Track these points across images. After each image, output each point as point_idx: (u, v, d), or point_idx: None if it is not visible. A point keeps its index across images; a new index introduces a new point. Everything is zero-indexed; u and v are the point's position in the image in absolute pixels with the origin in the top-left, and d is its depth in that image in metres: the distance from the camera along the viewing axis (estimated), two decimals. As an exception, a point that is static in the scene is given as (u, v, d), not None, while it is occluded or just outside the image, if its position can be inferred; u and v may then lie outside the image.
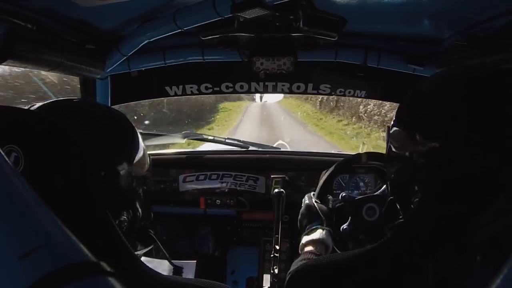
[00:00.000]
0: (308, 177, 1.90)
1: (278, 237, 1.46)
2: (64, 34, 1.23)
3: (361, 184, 1.88)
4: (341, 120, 15.68)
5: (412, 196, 0.67)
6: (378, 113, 12.46)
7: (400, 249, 0.59)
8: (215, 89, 1.82)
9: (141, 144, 0.79)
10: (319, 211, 1.16)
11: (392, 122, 0.72)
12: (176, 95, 1.85)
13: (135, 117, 5.81)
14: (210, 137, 2.25)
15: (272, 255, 1.39)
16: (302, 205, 1.24)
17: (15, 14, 0.99)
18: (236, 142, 2.17)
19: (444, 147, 0.56)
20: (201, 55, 1.61)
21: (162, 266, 1.30)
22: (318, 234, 1.07)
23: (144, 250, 0.86)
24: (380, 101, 7.61)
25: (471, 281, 0.49)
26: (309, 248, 1.03)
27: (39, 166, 0.53)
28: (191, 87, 1.81)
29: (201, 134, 2.37)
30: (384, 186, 1.21)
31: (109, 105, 1.71)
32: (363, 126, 13.36)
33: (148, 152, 0.83)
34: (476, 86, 0.57)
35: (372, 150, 1.46)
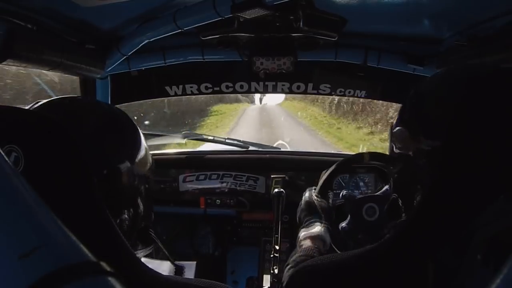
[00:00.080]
0: (308, 177, 1.90)
1: (278, 237, 1.46)
2: (64, 34, 1.23)
3: (361, 184, 1.88)
4: (360, 127, 12.33)
5: (414, 195, 0.67)
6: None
7: (400, 249, 0.59)
8: (215, 89, 1.82)
9: (143, 142, 0.78)
10: (318, 206, 1.16)
11: (394, 122, 0.73)
12: (176, 95, 1.85)
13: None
14: (210, 137, 2.25)
15: (272, 255, 1.39)
16: (302, 199, 1.24)
17: (15, 14, 0.99)
18: (236, 142, 2.17)
19: (444, 147, 0.56)
20: (201, 55, 1.61)
21: (162, 267, 1.30)
22: (316, 228, 1.07)
23: (145, 252, 0.85)
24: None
25: (471, 281, 0.49)
26: (306, 242, 1.02)
27: (39, 166, 0.53)
28: (191, 87, 1.82)
29: (201, 134, 2.37)
30: (386, 186, 1.21)
31: None
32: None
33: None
34: (476, 86, 0.57)
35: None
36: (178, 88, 1.82)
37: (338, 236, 1.17)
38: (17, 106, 0.60)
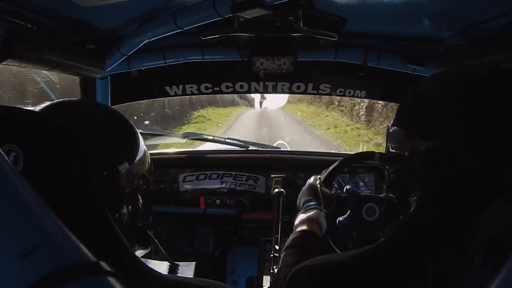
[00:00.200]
0: (308, 176, 1.90)
1: (278, 237, 1.46)
2: (64, 34, 1.23)
3: (361, 183, 1.88)
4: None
5: (410, 196, 0.67)
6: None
7: (400, 249, 0.59)
8: (215, 89, 1.82)
9: (142, 143, 0.79)
10: (320, 192, 1.16)
11: (391, 122, 0.73)
12: (176, 95, 1.86)
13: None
14: (210, 137, 2.25)
15: (272, 255, 1.39)
16: (306, 183, 1.24)
17: (15, 14, 0.99)
18: (236, 141, 2.17)
19: (444, 147, 0.56)
20: (201, 55, 1.61)
21: (161, 268, 1.30)
22: (315, 213, 1.07)
23: (143, 251, 0.86)
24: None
25: (470, 281, 0.49)
26: (303, 227, 1.02)
27: (38, 166, 0.53)
28: (191, 87, 1.82)
29: (201, 134, 2.38)
30: None
31: (109, 104, 1.71)
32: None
33: (148, 152, 0.84)
34: (476, 86, 0.57)
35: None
36: (178, 88, 1.83)
37: (334, 228, 1.17)
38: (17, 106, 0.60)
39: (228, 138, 2.21)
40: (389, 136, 0.72)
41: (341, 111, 13.23)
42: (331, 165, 1.42)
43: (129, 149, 0.75)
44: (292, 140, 8.97)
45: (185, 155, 2.11)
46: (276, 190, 1.58)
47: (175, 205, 1.99)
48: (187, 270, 1.48)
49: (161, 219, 1.98)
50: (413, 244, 0.57)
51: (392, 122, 0.72)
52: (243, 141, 2.17)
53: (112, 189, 0.70)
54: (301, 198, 1.19)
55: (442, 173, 0.56)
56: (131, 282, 0.35)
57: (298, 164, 2.01)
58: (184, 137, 2.29)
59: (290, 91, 1.85)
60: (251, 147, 2.15)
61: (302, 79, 1.79)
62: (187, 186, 1.99)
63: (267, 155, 2.12)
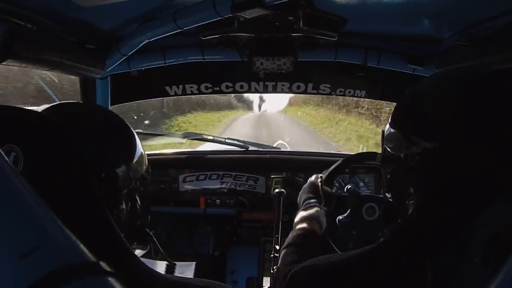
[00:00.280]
0: (308, 177, 1.90)
1: (278, 237, 1.46)
2: (64, 34, 1.23)
3: (361, 184, 1.88)
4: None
5: (407, 197, 0.67)
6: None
7: (399, 249, 0.59)
8: (215, 89, 1.83)
9: (139, 144, 0.80)
10: (321, 190, 1.15)
11: (388, 123, 0.73)
12: (176, 95, 1.86)
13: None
14: (210, 137, 2.25)
15: (272, 255, 1.39)
16: (307, 181, 1.24)
17: (15, 14, 0.99)
18: (236, 142, 2.17)
19: (444, 147, 0.56)
20: (201, 55, 1.61)
21: (158, 267, 1.30)
22: (315, 211, 1.06)
23: (142, 250, 0.86)
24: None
25: (470, 281, 0.49)
26: (303, 224, 1.01)
27: (38, 166, 0.53)
28: (191, 87, 1.82)
29: (201, 134, 2.38)
30: None
31: (109, 105, 1.71)
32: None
33: (148, 152, 0.84)
34: (476, 86, 0.57)
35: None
36: (178, 88, 1.83)
37: (333, 226, 1.17)
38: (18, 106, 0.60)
39: (228, 138, 2.21)
40: (386, 137, 0.72)
41: (360, 113, 10.57)
42: (331, 165, 1.42)
43: (128, 151, 0.76)
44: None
45: (185, 155, 2.11)
46: (277, 190, 1.58)
47: (175, 205, 1.99)
48: (187, 270, 1.48)
49: (161, 219, 1.98)
50: (412, 244, 0.57)
51: (388, 123, 0.72)
52: (243, 142, 2.17)
53: (111, 189, 0.70)
54: (301, 196, 1.19)
55: (442, 173, 0.56)
56: (131, 282, 0.35)
57: (298, 164, 2.01)
58: (184, 137, 2.29)
59: (290, 91, 1.85)
60: (251, 148, 2.15)
61: (302, 79, 1.79)
62: (187, 187, 1.99)
63: (267, 155, 2.12)
